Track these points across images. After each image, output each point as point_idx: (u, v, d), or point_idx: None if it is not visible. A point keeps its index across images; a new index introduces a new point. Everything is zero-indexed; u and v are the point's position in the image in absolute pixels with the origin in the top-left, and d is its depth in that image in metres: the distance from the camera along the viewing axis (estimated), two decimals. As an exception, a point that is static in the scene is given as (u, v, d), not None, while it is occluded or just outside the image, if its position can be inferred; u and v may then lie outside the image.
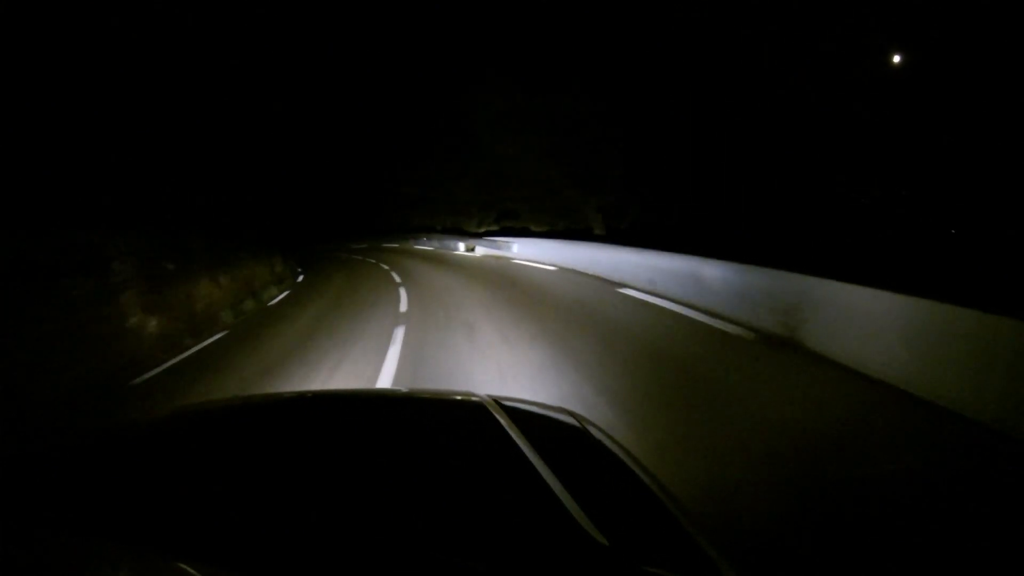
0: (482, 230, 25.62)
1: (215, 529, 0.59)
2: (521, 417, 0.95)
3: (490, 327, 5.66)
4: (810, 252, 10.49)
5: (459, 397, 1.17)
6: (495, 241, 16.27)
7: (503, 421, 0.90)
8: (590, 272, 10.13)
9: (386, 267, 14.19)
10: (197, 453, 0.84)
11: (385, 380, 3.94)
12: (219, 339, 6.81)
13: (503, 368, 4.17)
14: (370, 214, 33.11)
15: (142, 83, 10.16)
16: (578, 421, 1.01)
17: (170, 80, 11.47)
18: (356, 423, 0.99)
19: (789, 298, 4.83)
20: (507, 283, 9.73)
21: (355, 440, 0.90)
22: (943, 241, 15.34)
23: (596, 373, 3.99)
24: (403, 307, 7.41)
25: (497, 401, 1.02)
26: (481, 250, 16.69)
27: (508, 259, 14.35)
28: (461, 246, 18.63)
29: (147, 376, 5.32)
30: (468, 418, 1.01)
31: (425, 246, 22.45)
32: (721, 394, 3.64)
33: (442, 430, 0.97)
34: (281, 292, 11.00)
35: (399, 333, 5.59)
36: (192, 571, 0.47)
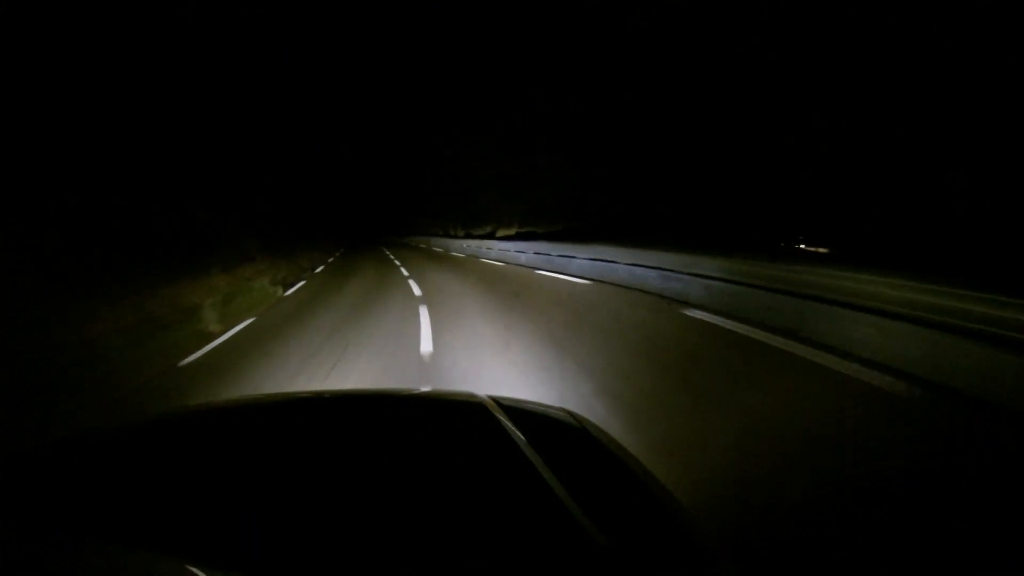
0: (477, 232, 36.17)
1: (214, 530, 0.59)
2: (521, 417, 0.96)
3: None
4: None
5: (458, 397, 1.17)
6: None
7: (503, 421, 0.91)
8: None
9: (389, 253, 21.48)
10: (195, 454, 0.84)
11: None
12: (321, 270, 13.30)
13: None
14: (401, 219, 43.52)
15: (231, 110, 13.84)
16: (578, 421, 1.02)
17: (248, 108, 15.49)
18: (355, 424, 0.99)
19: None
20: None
21: (354, 441, 0.91)
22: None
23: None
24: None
25: (497, 401, 1.03)
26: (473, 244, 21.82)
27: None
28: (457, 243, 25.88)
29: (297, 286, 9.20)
30: (468, 418, 1.00)
31: (427, 244, 30.70)
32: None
33: (441, 430, 0.97)
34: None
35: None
36: (192, 572, 0.48)
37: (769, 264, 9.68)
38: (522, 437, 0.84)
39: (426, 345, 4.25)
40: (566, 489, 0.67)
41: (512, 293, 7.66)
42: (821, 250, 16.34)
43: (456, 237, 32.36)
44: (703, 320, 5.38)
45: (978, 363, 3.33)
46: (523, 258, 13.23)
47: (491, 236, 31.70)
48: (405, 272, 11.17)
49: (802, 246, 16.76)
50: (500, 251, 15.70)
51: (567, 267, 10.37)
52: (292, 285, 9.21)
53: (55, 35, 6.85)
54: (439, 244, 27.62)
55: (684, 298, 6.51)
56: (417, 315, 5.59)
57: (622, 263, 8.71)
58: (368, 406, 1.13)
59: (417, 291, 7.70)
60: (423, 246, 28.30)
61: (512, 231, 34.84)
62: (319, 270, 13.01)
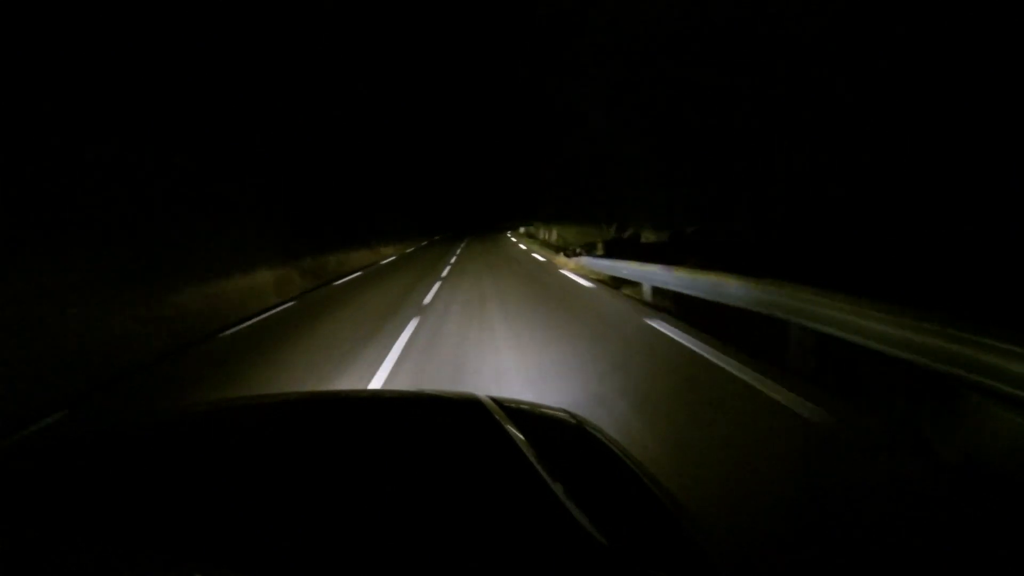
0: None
1: (212, 531, 0.59)
2: (520, 417, 0.95)
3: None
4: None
5: (457, 397, 1.15)
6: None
7: (502, 422, 0.89)
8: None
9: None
10: (192, 455, 0.83)
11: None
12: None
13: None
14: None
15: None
16: (578, 422, 1.01)
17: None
18: (353, 424, 0.98)
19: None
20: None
21: (352, 442, 0.89)
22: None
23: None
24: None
25: (496, 401, 1.01)
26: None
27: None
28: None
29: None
30: (467, 418, 0.98)
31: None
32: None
33: (440, 431, 0.95)
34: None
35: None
36: (191, 573, 0.49)
37: None
38: (522, 437, 0.83)
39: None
40: (566, 489, 0.66)
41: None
42: None
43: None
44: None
45: None
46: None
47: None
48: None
49: None
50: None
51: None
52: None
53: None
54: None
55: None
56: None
57: None
58: (366, 407, 1.13)
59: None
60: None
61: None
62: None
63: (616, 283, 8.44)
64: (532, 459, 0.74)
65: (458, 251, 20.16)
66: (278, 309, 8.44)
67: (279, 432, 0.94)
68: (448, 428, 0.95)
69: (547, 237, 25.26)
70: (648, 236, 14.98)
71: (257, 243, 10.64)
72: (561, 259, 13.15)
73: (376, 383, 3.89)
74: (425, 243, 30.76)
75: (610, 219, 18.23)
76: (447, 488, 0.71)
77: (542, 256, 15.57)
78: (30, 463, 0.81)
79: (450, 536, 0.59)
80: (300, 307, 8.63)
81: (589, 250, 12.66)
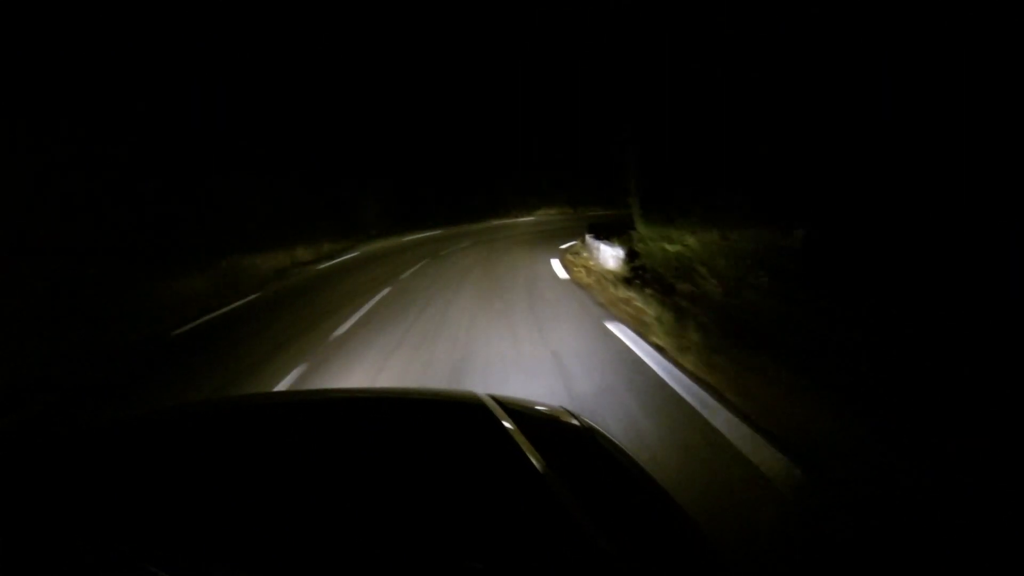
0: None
1: (212, 531, 0.59)
2: (522, 417, 0.93)
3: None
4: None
5: (459, 397, 1.17)
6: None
7: (504, 421, 0.88)
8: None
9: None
10: (193, 455, 0.83)
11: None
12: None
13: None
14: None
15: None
16: (579, 422, 1.00)
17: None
18: (354, 424, 0.98)
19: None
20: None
21: (353, 442, 0.89)
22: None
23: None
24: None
25: (497, 401, 0.99)
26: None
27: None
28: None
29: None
30: (468, 418, 0.98)
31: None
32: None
33: (441, 430, 0.95)
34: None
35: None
36: (191, 572, 0.49)
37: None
38: (523, 438, 0.82)
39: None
40: (567, 491, 0.66)
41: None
42: None
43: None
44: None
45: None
46: None
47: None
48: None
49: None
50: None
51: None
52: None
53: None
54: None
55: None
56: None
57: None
58: (367, 407, 1.12)
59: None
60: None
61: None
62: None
63: None
64: (534, 460, 0.74)
65: None
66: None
67: (280, 431, 0.94)
68: (450, 428, 0.95)
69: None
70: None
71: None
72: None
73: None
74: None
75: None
76: (449, 490, 0.70)
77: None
78: (27, 461, 0.80)
79: (452, 538, 0.59)
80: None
81: None
